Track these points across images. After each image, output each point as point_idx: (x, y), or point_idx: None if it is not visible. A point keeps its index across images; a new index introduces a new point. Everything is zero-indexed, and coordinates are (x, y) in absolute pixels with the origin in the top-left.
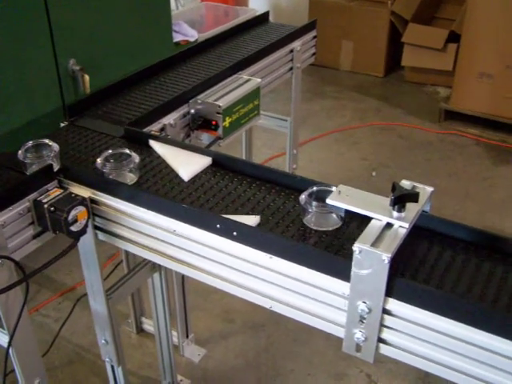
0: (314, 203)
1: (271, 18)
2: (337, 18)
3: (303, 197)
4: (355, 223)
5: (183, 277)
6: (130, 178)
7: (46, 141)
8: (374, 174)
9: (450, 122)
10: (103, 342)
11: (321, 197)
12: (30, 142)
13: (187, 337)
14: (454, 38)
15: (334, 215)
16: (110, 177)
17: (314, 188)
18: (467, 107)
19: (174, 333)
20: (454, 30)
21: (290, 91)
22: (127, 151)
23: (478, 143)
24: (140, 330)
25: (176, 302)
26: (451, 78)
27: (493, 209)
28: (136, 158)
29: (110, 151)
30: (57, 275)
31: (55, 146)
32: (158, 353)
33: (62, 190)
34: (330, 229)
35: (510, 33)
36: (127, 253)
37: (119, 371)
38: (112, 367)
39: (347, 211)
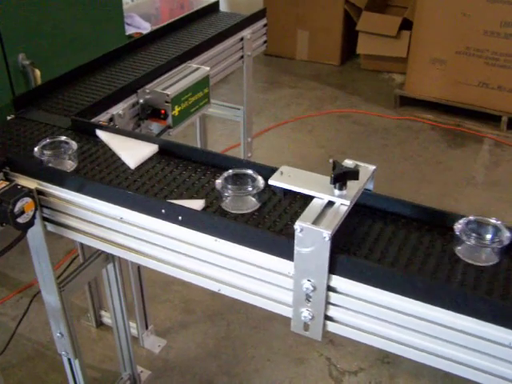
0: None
1: (227, 9)
2: (291, 7)
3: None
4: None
5: (139, 268)
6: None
7: (63, 138)
8: (330, 161)
9: (406, 108)
10: (58, 335)
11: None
12: (48, 139)
13: (147, 328)
14: (407, 25)
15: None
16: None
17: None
18: (421, 93)
19: (134, 324)
20: (406, 17)
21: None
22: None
23: (434, 128)
24: (100, 324)
25: (133, 293)
26: (406, 65)
27: (449, 191)
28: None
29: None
30: (14, 273)
31: (73, 144)
32: (117, 345)
33: (8, 183)
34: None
35: (459, 19)
36: (82, 245)
37: (76, 364)
38: (69, 360)
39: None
